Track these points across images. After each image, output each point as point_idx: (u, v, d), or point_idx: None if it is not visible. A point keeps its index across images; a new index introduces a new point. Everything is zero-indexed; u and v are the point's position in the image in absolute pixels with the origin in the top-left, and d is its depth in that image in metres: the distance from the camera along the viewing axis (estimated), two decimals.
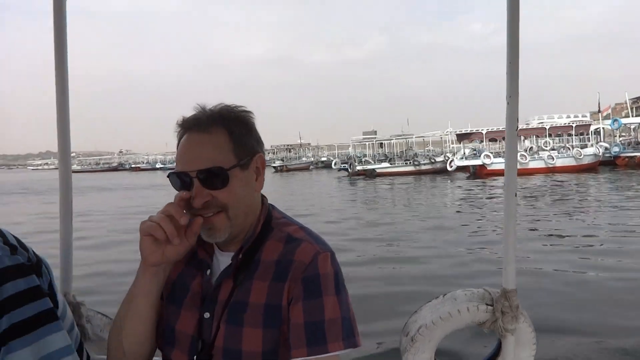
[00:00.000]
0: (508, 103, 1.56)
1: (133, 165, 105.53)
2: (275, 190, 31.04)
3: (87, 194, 32.66)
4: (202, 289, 1.18)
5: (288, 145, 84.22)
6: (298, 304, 1.10)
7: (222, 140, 1.12)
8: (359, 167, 43.49)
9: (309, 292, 1.10)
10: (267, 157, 1.33)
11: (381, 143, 56.46)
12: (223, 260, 1.20)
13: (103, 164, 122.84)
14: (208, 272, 1.19)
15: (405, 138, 53.54)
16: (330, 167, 59.14)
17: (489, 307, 1.62)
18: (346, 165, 47.26)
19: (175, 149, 1.18)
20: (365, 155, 51.69)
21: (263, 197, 1.25)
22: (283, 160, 70.53)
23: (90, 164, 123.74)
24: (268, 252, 1.16)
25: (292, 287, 1.11)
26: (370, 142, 55.18)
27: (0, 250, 0.97)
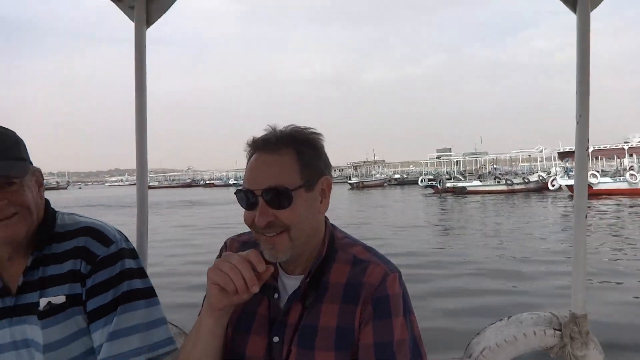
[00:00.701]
0: (578, 123, 1.53)
1: (207, 182, 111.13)
2: (364, 208, 30.48)
3: (198, 206, 33.53)
4: (269, 312, 1.19)
5: (364, 162, 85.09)
6: (368, 325, 1.11)
7: (289, 161, 1.13)
8: (449, 184, 43.13)
9: (378, 313, 1.11)
10: (338, 174, 1.30)
11: (457, 161, 56.53)
12: (289, 283, 1.21)
13: (173, 180, 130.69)
14: (275, 295, 1.20)
15: (482, 156, 52.71)
16: (404, 183, 60.31)
17: (557, 332, 1.56)
18: (433, 182, 46.88)
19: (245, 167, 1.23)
20: (438, 173, 51.54)
21: (325, 218, 1.26)
22: (359, 177, 70.96)
23: (160, 180, 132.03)
24: (335, 274, 1.17)
25: (363, 310, 1.12)
26: (447, 160, 55.00)
27: (119, 234, 1.35)
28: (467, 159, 55.49)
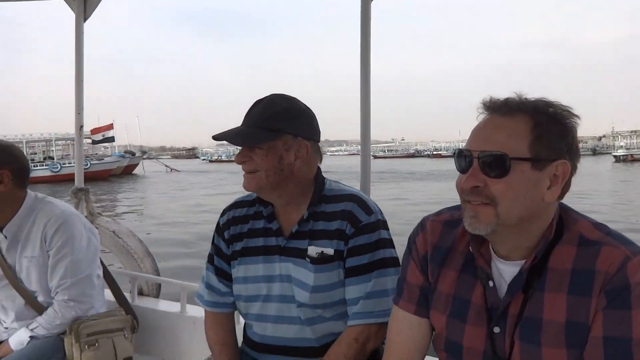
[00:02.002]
0: None
1: (434, 152, 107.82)
2: None
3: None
4: (485, 301, 1.09)
5: (633, 131, 72.58)
6: (598, 315, 0.96)
7: (521, 128, 0.99)
8: None
9: (613, 303, 0.95)
10: (583, 146, 1.00)
11: None
12: (505, 269, 1.08)
13: (396, 150, 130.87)
14: (491, 283, 1.08)
15: None
16: None
17: None
18: None
19: None
20: None
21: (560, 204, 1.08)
22: (627, 148, 61.90)
23: (384, 150, 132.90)
24: (558, 258, 1.02)
25: (598, 301, 0.96)
26: None
27: (377, 206, 1.52)
28: None
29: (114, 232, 2.56)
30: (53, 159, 42.74)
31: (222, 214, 1.65)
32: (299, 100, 1.51)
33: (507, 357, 1.04)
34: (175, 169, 56.37)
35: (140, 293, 2.57)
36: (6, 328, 2.05)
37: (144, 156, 58.94)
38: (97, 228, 2.22)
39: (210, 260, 1.65)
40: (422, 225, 1.24)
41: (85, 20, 2.52)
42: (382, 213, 1.52)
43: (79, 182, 2.61)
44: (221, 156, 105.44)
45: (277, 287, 1.49)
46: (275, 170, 1.42)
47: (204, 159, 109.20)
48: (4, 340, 1.98)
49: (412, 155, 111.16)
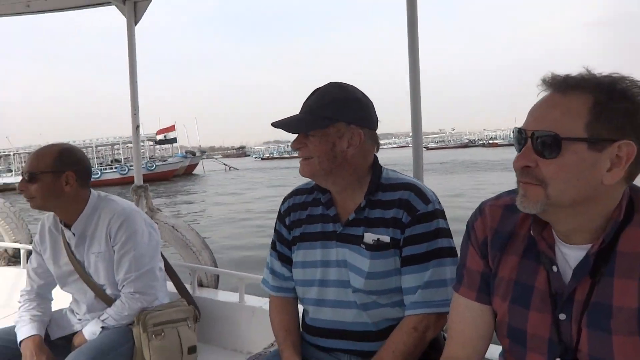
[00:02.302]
0: None
1: (489, 142, 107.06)
2: None
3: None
4: (549, 287, 1.06)
5: None
6: None
7: (577, 107, 0.94)
8: None
9: None
10: None
11: None
12: (570, 254, 1.04)
13: (449, 141, 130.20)
14: (555, 268, 1.05)
15: None
16: None
17: None
18: None
19: None
20: None
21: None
22: None
23: (437, 141, 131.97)
24: (628, 241, 0.97)
25: None
26: None
27: (434, 195, 1.51)
28: None
29: (172, 226, 2.66)
30: (120, 161, 44.16)
31: (283, 202, 1.70)
32: (356, 88, 1.52)
33: (574, 344, 1.01)
34: (234, 167, 57.07)
35: (200, 284, 2.66)
36: (79, 319, 2.18)
37: (203, 156, 60.01)
38: (156, 223, 2.31)
39: (273, 246, 1.70)
40: (480, 210, 1.21)
41: (136, 24, 2.62)
42: (439, 202, 1.51)
43: (138, 180, 2.73)
44: (272, 153, 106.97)
45: (334, 272, 1.52)
46: (328, 157, 1.45)
47: (256, 157, 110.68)
48: (78, 331, 2.11)
49: (466, 146, 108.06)
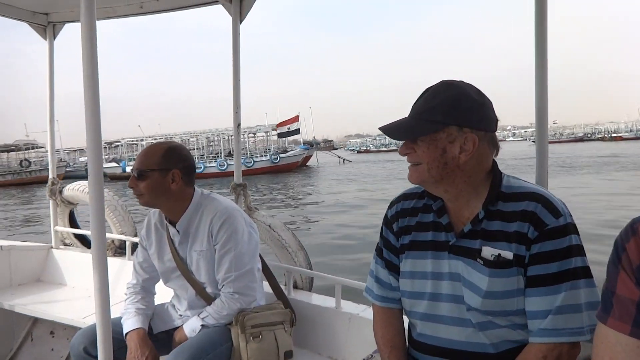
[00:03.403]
0: None
1: (614, 135, 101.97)
2: None
3: None
4: None
5: None
6: None
7: None
8: None
9: None
10: None
11: None
12: None
13: (560, 134, 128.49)
14: None
15: None
16: None
17: None
18: None
19: None
20: None
21: None
22: None
23: (557, 135, 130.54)
24: None
25: None
26: None
27: (565, 207, 1.34)
28: None
29: (269, 226, 2.64)
30: (218, 155, 44.44)
31: (390, 206, 1.59)
32: (470, 86, 1.37)
33: None
34: (348, 160, 54.84)
35: (294, 286, 2.61)
36: (180, 315, 2.21)
37: (319, 147, 58.88)
38: (254, 222, 2.29)
39: (379, 253, 1.59)
40: (633, 229, 1.01)
41: (241, 22, 2.62)
42: (571, 215, 1.33)
43: (237, 178, 2.74)
44: (369, 147, 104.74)
45: (446, 285, 1.39)
46: (437, 163, 1.34)
47: (352, 150, 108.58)
48: (179, 326, 2.14)
49: (581, 139, 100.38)
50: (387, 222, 1.57)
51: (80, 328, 3.17)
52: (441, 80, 1.39)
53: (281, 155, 41.71)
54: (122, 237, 3.39)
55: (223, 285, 2.05)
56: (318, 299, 2.51)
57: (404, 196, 1.57)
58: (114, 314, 2.79)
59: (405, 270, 1.48)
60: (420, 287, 1.43)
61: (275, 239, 2.63)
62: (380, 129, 1.43)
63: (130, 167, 2.15)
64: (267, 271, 2.35)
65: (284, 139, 46.95)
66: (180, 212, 2.09)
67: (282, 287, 2.44)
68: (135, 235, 3.40)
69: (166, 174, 2.02)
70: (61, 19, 3.22)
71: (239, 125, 2.71)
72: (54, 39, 3.29)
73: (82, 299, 3.16)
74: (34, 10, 3.13)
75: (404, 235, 1.51)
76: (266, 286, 2.34)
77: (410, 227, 1.49)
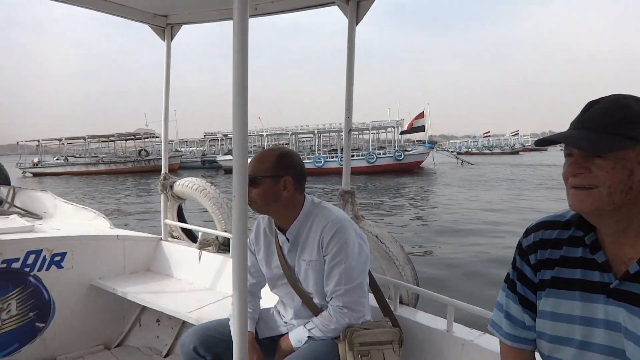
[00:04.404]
0: None
1: None
2: None
3: None
4: None
5: None
6: None
7: None
8: None
9: None
10: None
11: None
12: None
13: None
14: None
15: None
16: None
17: None
18: None
19: None
20: None
21: None
22: None
23: None
24: None
25: None
26: None
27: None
28: None
29: (377, 236, 2.53)
30: (335, 151, 43.00)
31: (526, 234, 1.38)
32: None
33: None
34: (469, 162, 48.11)
35: (400, 302, 2.49)
36: (285, 323, 2.17)
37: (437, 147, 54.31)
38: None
39: (512, 286, 1.40)
40: None
41: (357, 24, 2.53)
42: None
43: (345, 184, 2.66)
44: (470, 149, 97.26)
45: (601, 334, 1.19)
46: (622, 187, 1.12)
47: (452, 151, 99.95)
48: (284, 334, 2.10)
49: None
50: (522, 252, 1.38)
51: (184, 321, 3.29)
52: (614, 93, 1.18)
53: (405, 152, 39.63)
54: (227, 234, 3.46)
55: (332, 298, 1.98)
56: (425, 318, 2.36)
57: (544, 224, 1.35)
58: (217, 309, 2.86)
59: (545, 310, 1.29)
60: (565, 331, 1.24)
61: (383, 251, 2.52)
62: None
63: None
64: (374, 285, 2.24)
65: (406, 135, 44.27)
66: (290, 219, 2.05)
67: (388, 301, 2.32)
68: None
69: (278, 180, 1.98)
70: (179, 20, 3.33)
71: (350, 130, 2.62)
72: (172, 39, 3.42)
73: (187, 292, 3.27)
74: (155, 12, 3.26)
75: (544, 269, 1.31)
76: (371, 299, 2.24)
77: (553, 261, 1.29)
